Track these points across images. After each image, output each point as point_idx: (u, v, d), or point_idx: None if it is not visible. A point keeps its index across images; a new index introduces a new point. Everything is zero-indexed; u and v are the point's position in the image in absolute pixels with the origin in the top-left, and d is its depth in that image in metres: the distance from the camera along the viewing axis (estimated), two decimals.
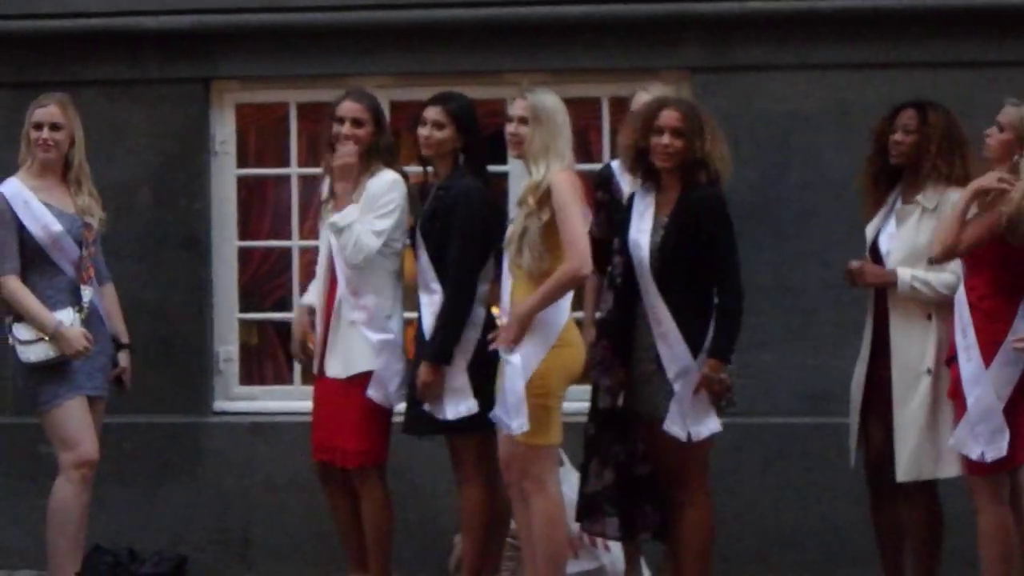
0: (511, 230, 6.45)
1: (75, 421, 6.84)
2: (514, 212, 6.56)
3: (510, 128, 6.46)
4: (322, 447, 6.94)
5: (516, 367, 6.34)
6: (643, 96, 6.83)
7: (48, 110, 6.93)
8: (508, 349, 6.37)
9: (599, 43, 7.91)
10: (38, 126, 6.92)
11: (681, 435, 6.33)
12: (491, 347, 6.45)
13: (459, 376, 6.66)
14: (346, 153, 6.80)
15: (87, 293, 6.90)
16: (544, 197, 6.33)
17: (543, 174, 6.36)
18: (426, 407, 6.67)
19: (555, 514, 6.48)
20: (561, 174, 6.38)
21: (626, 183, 6.80)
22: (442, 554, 7.31)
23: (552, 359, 6.38)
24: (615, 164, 6.96)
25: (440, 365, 6.63)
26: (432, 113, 6.81)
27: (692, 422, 6.34)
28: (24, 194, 6.86)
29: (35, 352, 6.82)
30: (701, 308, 6.39)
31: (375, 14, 8.02)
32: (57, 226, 6.83)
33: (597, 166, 7.23)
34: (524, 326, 6.36)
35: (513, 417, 6.32)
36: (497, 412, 6.42)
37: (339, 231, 6.75)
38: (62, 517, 6.90)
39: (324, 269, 7.00)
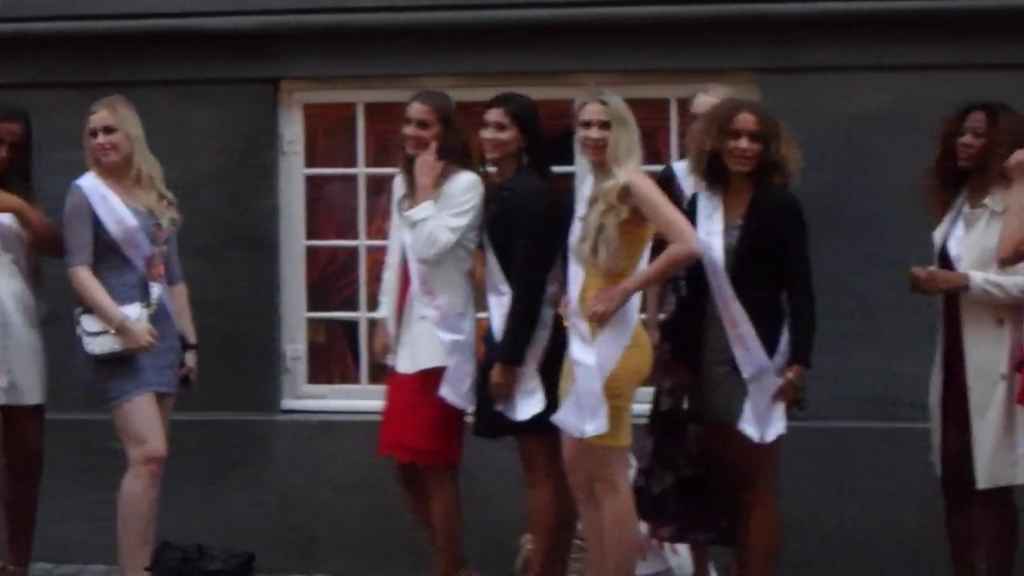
0: (584, 228, 6.45)
1: (143, 417, 6.91)
2: (581, 212, 6.56)
3: (589, 133, 6.44)
4: (388, 442, 6.99)
5: (591, 368, 6.34)
6: (704, 98, 6.83)
7: (99, 115, 7.02)
8: (589, 334, 6.36)
9: (665, 43, 7.89)
10: (93, 132, 7.01)
11: (755, 436, 6.34)
12: (590, 313, 6.39)
13: (531, 377, 6.69)
14: (426, 159, 6.86)
15: (155, 290, 6.97)
16: (622, 196, 6.34)
17: (619, 176, 6.37)
18: (498, 408, 6.70)
19: (626, 516, 6.50)
20: (635, 172, 6.41)
21: (688, 185, 6.79)
22: (508, 556, 7.32)
23: (625, 360, 6.39)
24: (677, 166, 6.96)
25: (512, 367, 6.66)
26: (494, 115, 6.83)
27: (765, 423, 6.35)
28: (101, 189, 6.95)
29: (100, 344, 6.90)
30: (773, 310, 6.41)
31: (442, 14, 8.04)
32: (132, 221, 6.92)
33: (675, 163, 7.20)
34: (625, 300, 6.37)
35: (588, 419, 6.32)
36: (563, 415, 6.43)
37: (413, 224, 6.79)
38: (131, 512, 6.97)
39: (397, 268, 7.05)
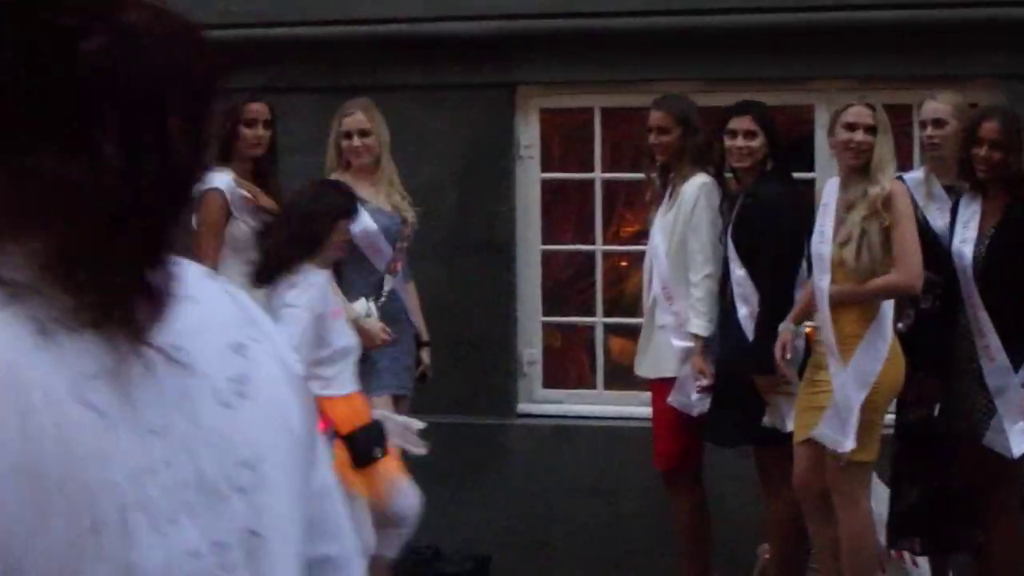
0: (844, 232, 6.34)
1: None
2: (828, 217, 6.46)
3: (854, 136, 6.36)
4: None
5: (851, 383, 6.25)
6: (932, 104, 6.70)
7: (355, 118, 7.13)
8: (837, 349, 6.27)
9: (908, 49, 7.73)
10: (348, 135, 7.11)
11: (1002, 450, 6.21)
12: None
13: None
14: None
15: (388, 282, 7.07)
16: (885, 204, 6.26)
17: (885, 183, 6.30)
18: (765, 421, 6.66)
19: (864, 530, 6.41)
20: (897, 184, 6.36)
21: (920, 195, 6.66)
22: (745, 565, 7.26)
23: (883, 374, 6.30)
24: (909, 176, 6.81)
25: (766, 374, 6.62)
26: (744, 123, 6.79)
27: (1012, 438, 6.20)
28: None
29: None
30: (1020, 323, 6.26)
31: (680, 19, 7.99)
32: (373, 225, 7.02)
33: (907, 174, 7.07)
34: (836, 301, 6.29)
35: (848, 434, 6.24)
36: (823, 429, 6.32)
37: None
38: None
39: (648, 269, 7.09)
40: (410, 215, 7.22)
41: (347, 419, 6.18)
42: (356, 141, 7.12)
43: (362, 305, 6.95)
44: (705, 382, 6.77)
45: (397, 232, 7.15)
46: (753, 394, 6.67)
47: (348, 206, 6.46)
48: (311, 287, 6.18)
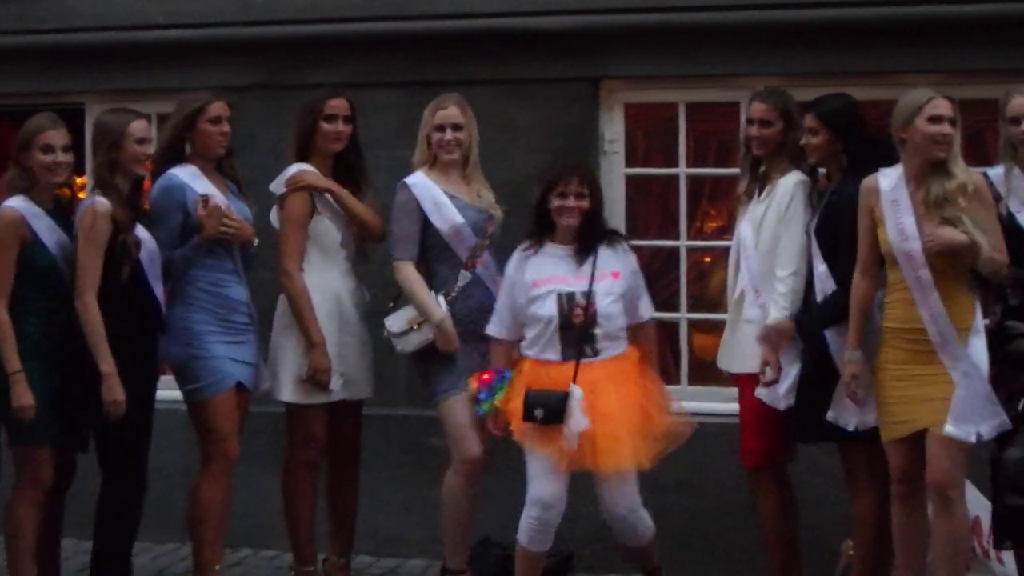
0: (957, 222, 6.27)
1: (459, 417, 7.03)
2: (895, 215, 6.40)
3: (944, 128, 6.31)
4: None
5: (975, 372, 6.25)
6: (1019, 99, 6.60)
7: (449, 112, 7.15)
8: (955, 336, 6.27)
9: (994, 43, 7.67)
10: (440, 128, 7.12)
11: None
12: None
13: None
14: None
15: (463, 278, 7.12)
16: (972, 196, 6.26)
17: (967, 174, 6.30)
18: (830, 415, 6.62)
19: (966, 527, 6.44)
20: (979, 175, 6.37)
21: (1003, 191, 6.59)
22: (826, 562, 7.21)
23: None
24: (992, 172, 6.73)
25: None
26: (806, 120, 6.77)
27: None
28: (433, 191, 7.08)
29: (408, 343, 7.13)
30: None
31: (766, 13, 7.96)
32: (459, 219, 7.04)
33: (989, 170, 6.98)
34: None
35: (981, 421, 6.23)
36: (953, 423, 6.26)
37: None
38: (450, 508, 7.09)
39: (733, 262, 7.06)
40: (497, 212, 7.23)
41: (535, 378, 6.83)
42: (448, 135, 7.14)
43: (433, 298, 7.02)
44: (771, 375, 6.76)
45: (482, 227, 7.16)
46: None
47: None
48: None
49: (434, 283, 7.13)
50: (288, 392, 7.23)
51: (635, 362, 6.98)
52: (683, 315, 8.20)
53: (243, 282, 7.20)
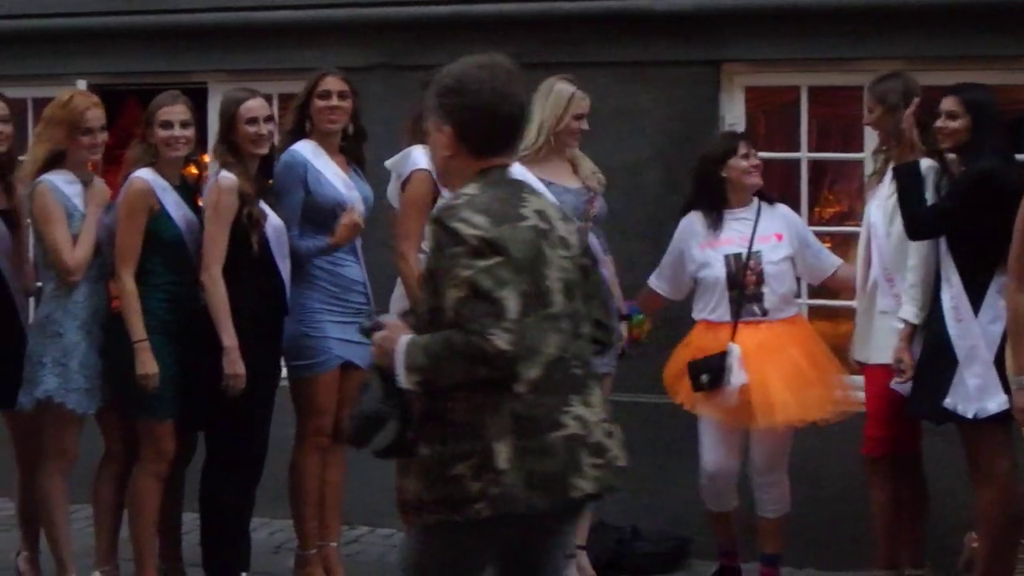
0: None
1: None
2: None
3: None
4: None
5: None
6: None
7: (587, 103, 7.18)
8: None
9: None
10: (579, 117, 7.13)
11: None
12: None
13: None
14: None
15: None
16: None
17: None
18: (947, 402, 6.51)
19: None
20: None
21: None
22: (949, 553, 7.12)
23: None
24: None
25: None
26: (947, 104, 6.65)
27: None
28: (530, 179, 7.05)
29: None
30: None
31: None
32: (554, 201, 7.01)
33: None
34: None
35: None
36: None
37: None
38: None
39: (863, 249, 6.98)
40: (599, 188, 7.22)
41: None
42: (585, 124, 7.15)
43: None
44: (905, 371, 6.67)
45: (582, 209, 7.12)
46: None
47: None
48: None
49: None
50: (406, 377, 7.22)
51: (805, 328, 7.26)
52: (804, 301, 8.07)
53: (360, 262, 7.23)
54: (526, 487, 4.40)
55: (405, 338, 4.52)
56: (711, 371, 7.03)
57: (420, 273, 7.00)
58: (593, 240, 7.17)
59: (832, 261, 7.35)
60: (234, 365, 6.75)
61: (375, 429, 4.65)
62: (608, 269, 7.30)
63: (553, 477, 4.45)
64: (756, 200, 7.29)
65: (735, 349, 7.01)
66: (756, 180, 7.25)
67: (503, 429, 4.41)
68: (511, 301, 4.35)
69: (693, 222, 7.32)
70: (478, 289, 4.34)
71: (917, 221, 6.56)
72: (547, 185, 7.02)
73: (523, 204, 4.61)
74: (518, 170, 6.99)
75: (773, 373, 6.98)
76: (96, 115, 6.99)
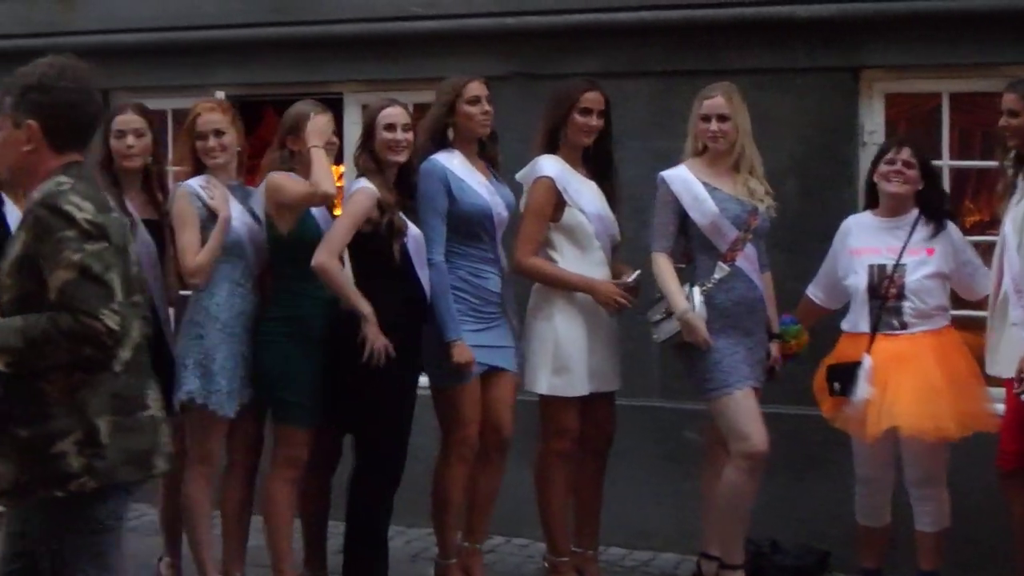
0: None
1: (744, 412, 6.95)
2: None
3: None
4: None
5: None
6: None
7: (715, 102, 7.16)
8: None
9: None
10: (706, 118, 7.07)
11: None
12: None
13: None
14: None
15: (719, 271, 7.02)
16: None
17: None
18: None
19: None
20: None
21: None
22: None
23: None
24: None
25: None
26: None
27: None
28: (691, 184, 7.02)
29: (661, 332, 7.10)
30: None
31: None
32: (714, 209, 6.95)
33: None
34: None
35: None
36: None
37: None
38: (732, 503, 7.01)
39: (996, 260, 6.87)
40: (762, 206, 7.11)
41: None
42: (713, 125, 7.06)
43: (686, 289, 6.96)
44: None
45: (743, 220, 7.06)
46: None
47: None
48: None
49: (696, 273, 7.07)
50: (543, 385, 7.23)
51: (951, 340, 7.06)
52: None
53: (501, 273, 7.23)
54: (123, 463, 4.72)
55: None
56: (842, 379, 6.97)
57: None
58: (750, 251, 7.11)
59: (986, 285, 7.06)
60: (377, 335, 6.75)
61: None
62: (766, 285, 7.24)
63: (142, 454, 4.80)
64: (916, 211, 7.13)
65: (867, 361, 6.91)
66: (894, 187, 7.09)
67: (102, 407, 4.70)
68: (116, 284, 4.60)
69: (849, 227, 7.26)
70: (88, 271, 4.56)
71: None
72: (712, 191, 6.99)
73: (106, 197, 4.86)
74: (677, 173, 7.04)
75: (905, 383, 6.85)
76: (207, 120, 7.06)
